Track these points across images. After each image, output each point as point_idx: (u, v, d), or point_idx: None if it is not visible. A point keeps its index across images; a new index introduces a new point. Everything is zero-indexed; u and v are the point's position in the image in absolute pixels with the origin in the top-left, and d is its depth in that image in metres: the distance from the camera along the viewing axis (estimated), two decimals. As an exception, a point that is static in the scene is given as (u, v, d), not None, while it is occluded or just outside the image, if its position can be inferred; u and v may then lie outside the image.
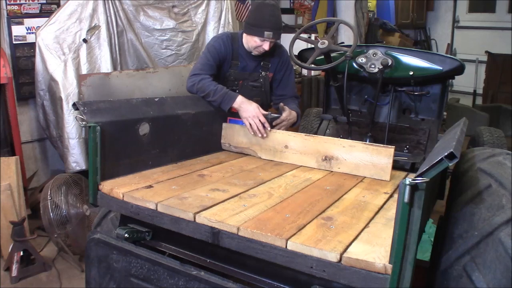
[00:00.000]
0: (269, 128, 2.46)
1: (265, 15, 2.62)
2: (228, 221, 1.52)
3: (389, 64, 2.70)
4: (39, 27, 3.84)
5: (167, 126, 2.22)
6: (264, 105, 2.75)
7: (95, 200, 1.88)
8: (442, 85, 2.83)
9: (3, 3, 3.94)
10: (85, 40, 3.85)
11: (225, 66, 2.79)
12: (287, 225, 1.49)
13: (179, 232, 1.62)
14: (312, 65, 2.67)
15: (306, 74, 5.83)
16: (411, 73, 2.72)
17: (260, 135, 2.43)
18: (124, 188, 1.82)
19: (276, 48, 2.82)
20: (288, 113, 2.62)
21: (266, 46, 2.65)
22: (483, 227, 1.51)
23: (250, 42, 2.68)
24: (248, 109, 2.47)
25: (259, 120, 2.43)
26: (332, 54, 2.74)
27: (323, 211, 1.66)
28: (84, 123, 1.83)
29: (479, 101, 7.51)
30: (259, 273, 1.54)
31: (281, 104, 2.69)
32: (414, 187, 1.18)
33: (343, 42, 4.52)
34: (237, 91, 2.69)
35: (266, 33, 2.59)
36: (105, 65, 3.96)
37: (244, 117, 2.47)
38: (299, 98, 3.06)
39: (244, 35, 2.73)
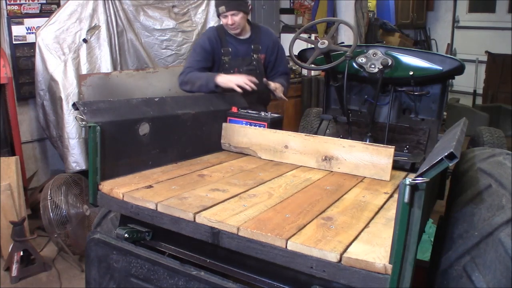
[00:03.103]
0: (255, 81, 2.72)
1: None
2: (228, 221, 1.52)
3: (389, 64, 2.70)
4: (39, 27, 3.85)
5: (167, 126, 2.22)
6: (261, 88, 2.92)
7: (95, 200, 1.88)
8: (442, 85, 2.83)
9: (3, 3, 3.94)
10: (85, 40, 3.85)
11: (217, 57, 2.95)
12: (287, 225, 1.49)
13: (179, 232, 1.62)
14: (312, 65, 2.67)
15: (306, 74, 5.82)
16: (411, 73, 2.72)
17: (249, 87, 2.67)
18: (124, 188, 1.82)
19: (261, 31, 3.04)
20: (274, 84, 2.90)
21: (228, 21, 2.84)
22: (483, 227, 1.51)
23: (223, 23, 2.91)
24: (231, 76, 2.76)
25: (243, 78, 2.70)
26: (332, 54, 2.74)
27: (323, 211, 1.66)
28: (84, 123, 1.83)
29: (479, 101, 7.50)
30: (259, 273, 1.54)
31: (264, 79, 2.91)
32: (414, 187, 1.18)
33: (343, 42, 4.53)
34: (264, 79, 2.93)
35: (220, 9, 2.81)
36: (105, 65, 3.96)
37: (230, 80, 2.70)
38: (290, 72, 3.26)
39: None
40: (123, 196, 1.77)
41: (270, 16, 6.18)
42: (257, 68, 3.00)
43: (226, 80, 2.71)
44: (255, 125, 2.49)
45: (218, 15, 2.88)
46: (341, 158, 2.17)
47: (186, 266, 1.58)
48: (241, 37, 2.98)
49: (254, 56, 2.99)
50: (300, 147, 2.28)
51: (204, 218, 1.55)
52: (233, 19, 2.84)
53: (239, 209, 1.64)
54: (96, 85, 3.69)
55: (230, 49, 2.95)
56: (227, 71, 2.90)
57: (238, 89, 2.67)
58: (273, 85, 2.88)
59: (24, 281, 3.06)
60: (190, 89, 2.82)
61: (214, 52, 2.92)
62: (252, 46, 2.98)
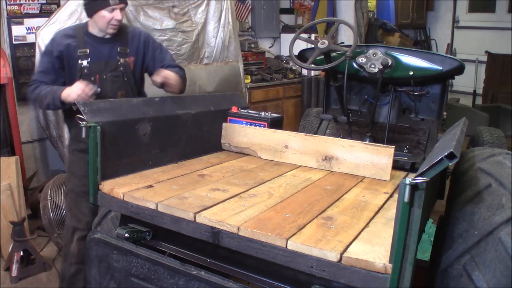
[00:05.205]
0: (94, 88, 2.30)
1: None
2: (228, 220, 1.52)
3: (389, 64, 2.70)
4: (39, 27, 3.84)
5: (167, 126, 2.22)
6: (131, 97, 2.52)
7: (95, 200, 1.88)
8: (442, 85, 2.84)
9: (3, 3, 3.94)
10: (85, 40, 3.83)
11: (73, 61, 2.47)
12: (287, 225, 1.49)
13: (180, 232, 1.62)
14: (312, 65, 2.67)
15: (306, 74, 5.83)
16: (411, 73, 2.72)
17: (89, 92, 2.26)
18: (125, 188, 1.82)
19: (128, 30, 2.60)
20: (162, 74, 2.46)
21: (117, 15, 2.41)
22: (483, 226, 1.51)
23: (100, 21, 2.42)
24: (72, 90, 2.28)
25: (83, 89, 2.26)
26: (332, 54, 2.74)
27: (323, 211, 1.66)
28: (84, 123, 1.84)
29: (479, 101, 7.51)
30: (259, 272, 1.54)
31: (152, 78, 2.52)
32: (414, 187, 1.18)
33: (343, 42, 4.53)
34: (99, 88, 2.36)
35: (112, 1, 2.37)
36: (105, 65, 3.95)
37: (69, 95, 2.27)
38: (183, 69, 2.71)
39: (90, 20, 2.49)
40: (123, 196, 1.78)
41: (270, 16, 6.19)
42: (124, 74, 2.53)
43: (66, 94, 2.28)
44: (255, 125, 2.49)
45: (99, 9, 2.38)
46: (341, 158, 2.17)
47: (186, 266, 1.58)
48: (106, 37, 2.52)
49: (121, 60, 2.52)
50: (300, 147, 2.29)
51: (205, 218, 1.55)
52: (122, 13, 2.46)
53: (239, 208, 1.64)
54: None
55: (88, 51, 2.46)
56: (87, 78, 2.43)
57: (80, 99, 2.21)
58: (160, 76, 2.45)
59: (24, 281, 3.06)
60: (39, 107, 2.49)
61: (68, 55, 2.45)
62: (118, 49, 2.52)
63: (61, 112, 2.67)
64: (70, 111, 2.38)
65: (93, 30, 2.50)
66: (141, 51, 2.60)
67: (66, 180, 2.55)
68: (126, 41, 2.55)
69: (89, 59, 2.46)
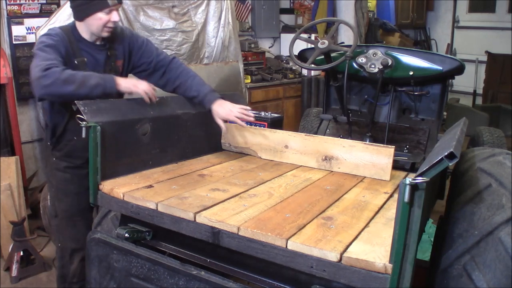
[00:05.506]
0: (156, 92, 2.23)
1: None
2: (229, 220, 1.52)
3: (389, 64, 2.70)
4: (39, 27, 3.85)
5: (167, 126, 2.22)
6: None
7: (95, 200, 1.88)
8: (442, 85, 2.84)
9: (3, 3, 3.94)
10: (85, 40, 3.82)
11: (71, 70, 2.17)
12: (287, 225, 1.49)
13: (180, 232, 1.62)
14: (312, 65, 2.67)
15: (306, 74, 5.83)
16: (411, 73, 2.72)
17: (153, 100, 2.18)
18: (125, 188, 1.82)
19: (116, 33, 2.36)
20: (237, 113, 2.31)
21: (115, 16, 2.21)
22: (483, 226, 1.52)
23: (95, 23, 2.19)
24: (134, 81, 2.19)
25: (149, 87, 2.18)
26: (332, 54, 2.74)
27: (323, 211, 1.66)
28: (84, 123, 1.84)
29: (479, 101, 7.51)
30: (259, 272, 1.54)
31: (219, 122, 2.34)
32: (414, 187, 1.18)
33: (343, 42, 4.53)
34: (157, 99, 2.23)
35: (110, 1, 2.17)
36: (105, 65, 3.95)
37: (135, 85, 2.15)
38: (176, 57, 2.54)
39: (80, 23, 2.24)
40: (123, 196, 1.78)
41: (270, 16, 6.19)
42: None
43: (131, 84, 2.14)
44: (255, 125, 2.49)
45: (96, 10, 2.16)
46: (341, 158, 2.17)
47: (186, 266, 1.58)
48: (98, 42, 2.29)
49: (112, 65, 2.34)
50: (300, 147, 2.29)
51: (205, 218, 1.55)
52: (118, 14, 2.27)
53: (239, 208, 1.64)
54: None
55: (85, 59, 2.24)
56: None
57: (146, 98, 2.16)
58: (224, 126, 2.35)
59: (24, 281, 3.06)
60: (73, 91, 1.98)
61: (67, 62, 2.15)
62: (109, 53, 2.32)
63: (46, 127, 2.41)
64: (57, 129, 2.29)
65: (85, 34, 2.25)
66: (127, 51, 2.41)
67: (55, 201, 2.39)
68: (113, 44, 2.35)
69: (86, 69, 2.21)
